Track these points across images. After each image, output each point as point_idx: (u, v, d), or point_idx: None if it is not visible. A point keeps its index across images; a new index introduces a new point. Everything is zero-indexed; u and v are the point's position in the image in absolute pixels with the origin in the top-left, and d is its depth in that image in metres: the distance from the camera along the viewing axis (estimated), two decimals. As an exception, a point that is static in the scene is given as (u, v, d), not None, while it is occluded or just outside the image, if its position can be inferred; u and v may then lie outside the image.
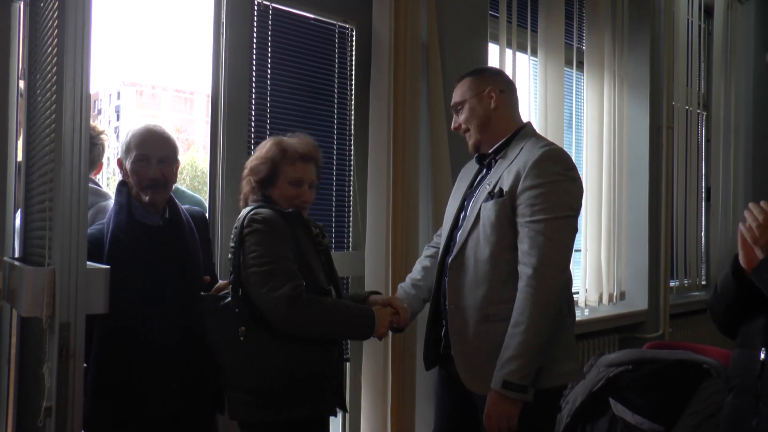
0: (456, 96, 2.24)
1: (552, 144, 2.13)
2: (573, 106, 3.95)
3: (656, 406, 2.55)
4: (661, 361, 2.71)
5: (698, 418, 2.36)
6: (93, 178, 2.77)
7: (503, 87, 2.21)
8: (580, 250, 3.95)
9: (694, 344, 3.12)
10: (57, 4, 1.54)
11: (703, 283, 4.97)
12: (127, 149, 2.10)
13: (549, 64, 3.61)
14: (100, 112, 56.69)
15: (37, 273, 1.48)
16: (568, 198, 2.02)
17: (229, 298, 2.00)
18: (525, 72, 3.61)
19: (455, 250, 2.12)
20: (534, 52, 3.65)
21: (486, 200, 2.08)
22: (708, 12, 5.03)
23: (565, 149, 2.17)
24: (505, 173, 2.08)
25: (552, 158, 2.04)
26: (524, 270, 1.97)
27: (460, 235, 2.14)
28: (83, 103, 1.48)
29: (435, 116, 2.92)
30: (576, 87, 3.99)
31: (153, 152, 2.09)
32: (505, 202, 2.03)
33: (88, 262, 1.50)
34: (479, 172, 2.26)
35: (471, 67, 3.18)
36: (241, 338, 1.96)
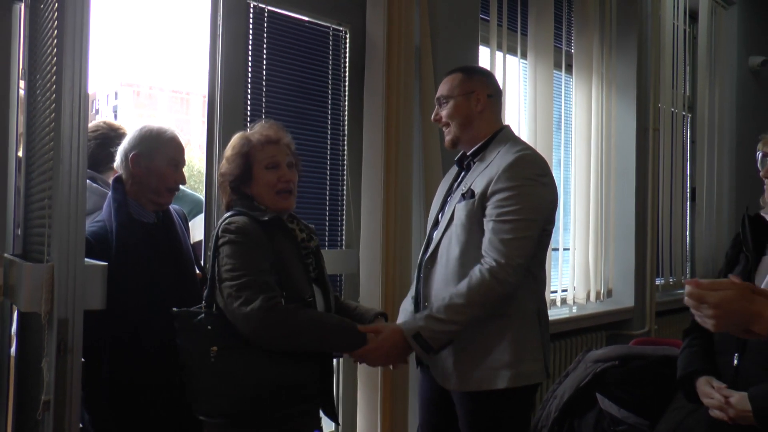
0: (443, 89, 2.23)
1: (528, 148, 2.15)
2: (562, 108, 3.97)
3: (642, 401, 2.56)
4: (647, 356, 2.71)
5: (682, 413, 2.36)
6: (105, 178, 2.71)
7: (491, 91, 2.22)
8: (568, 249, 3.97)
9: (680, 341, 3.13)
10: (56, 5, 1.54)
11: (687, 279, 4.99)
12: (151, 149, 2.09)
13: (538, 67, 3.62)
14: (97, 111, 56.48)
15: (36, 269, 1.47)
16: (537, 201, 2.04)
17: (203, 315, 1.86)
18: (515, 74, 3.62)
19: (431, 249, 2.13)
20: (524, 55, 3.66)
21: (459, 201, 2.09)
22: (693, 16, 5.05)
23: (540, 154, 2.19)
24: (479, 176, 2.09)
25: (525, 162, 2.05)
26: (485, 260, 1.99)
27: (436, 235, 2.15)
28: (81, 102, 1.48)
29: (427, 117, 2.93)
30: (565, 89, 4.00)
31: (181, 158, 2.16)
32: (475, 203, 2.04)
33: (86, 259, 1.50)
34: (459, 174, 2.27)
35: (462, 69, 3.21)
36: (212, 359, 1.80)
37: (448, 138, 2.22)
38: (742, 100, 5.37)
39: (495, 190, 2.02)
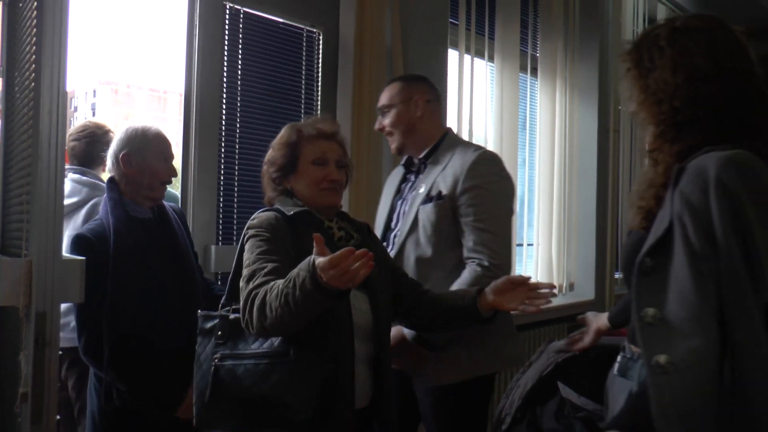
0: (384, 99, 2.24)
1: (481, 147, 2.20)
2: (527, 110, 3.99)
3: (598, 388, 2.60)
4: (605, 347, 2.75)
5: (641, 399, 2.39)
6: (96, 173, 2.75)
7: (430, 97, 2.23)
8: (532, 244, 4.00)
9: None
10: (36, 4, 1.52)
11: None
12: (140, 147, 2.08)
13: (505, 70, 3.64)
14: (76, 109, 55.64)
15: (15, 264, 1.45)
16: (503, 196, 2.10)
17: (218, 319, 1.68)
18: (482, 77, 3.63)
19: (394, 252, 2.13)
20: (491, 59, 3.68)
21: (424, 203, 2.10)
22: (651, 23, 5.11)
23: (497, 153, 2.25)
24: (440, 177, 2.10)
25: (486, 161, 2.09)
26: (475, 262, 2.00)
27: (396, 238, 2.15)
28: (60, 99, 1.46)
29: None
30: (530, 92, 4.03)
31: (170, 152, 2.15)
32: (445, 204, 2.05)
33: (64, 254, 1.48)
34: (404, 178, 2.28)
35: (433, 72, 3.21)
36: (213, 368, 1.62)
37: (393, 146, 2.22)
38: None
39: (463, 189, 2.04)
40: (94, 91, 56.74)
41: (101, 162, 2.73)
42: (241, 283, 1.60)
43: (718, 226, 1.16)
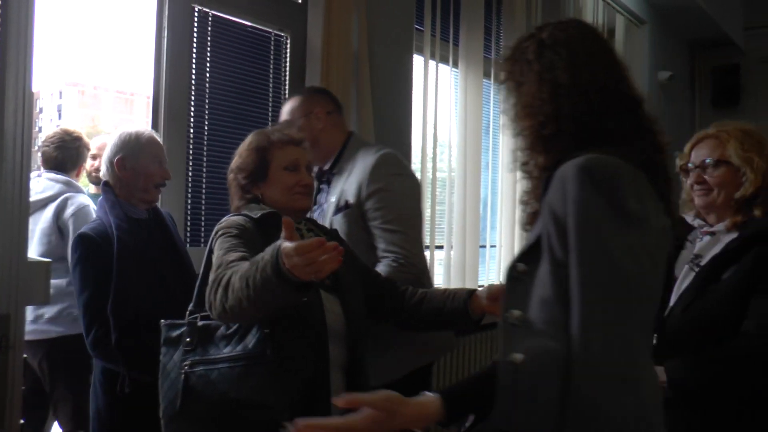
0: (284, 115, 2.25)
1: (383, 147, 2.20)
2: (491, 114, 4.02)
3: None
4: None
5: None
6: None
7: (330, 108, 2.24)
8: (495, 246, 4.03)
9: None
10: (0, 2, 1.48)
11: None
12: (134, 151, 2.10)
13: (469, 76, 3.66)
14: (41, 110, 54.48)
15: (-23, 265, 1.41)
16: (407, 194, 2.13)
17: (185, 327, 1.61)
18: (447, 82, 3.65)
19: None
20: (455, 64, 3.70)
21: (335, 214, 2.11)
22: (610, 33, 5.19)
23: (396, 152, 2.23)
24: (346, 186, 2.11)
25: (385, 162, 2.10)
26: (389, 259, 2.03)
27: None
28: (26, 101, 1.43)
29: (364, 123, 2.93)
30: (493, 97, 4.06)
31: (163, 155, 2.17)
32: (353, 212, 2.07)
33: (29, 256, 1.44)
34: (319, 189, 2.27)
35: (399, 77, 3.22)
36: (182, 375, 1.54)
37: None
38: (653, 111, 5.53)
39: (368, 194, 2.05)
40: (60, 93, 55.64)
41: (72, 167, 2.81)
42: (210, 275, 1.52)
43: (571, 234, 1.17)
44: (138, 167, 2.09)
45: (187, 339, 1.57)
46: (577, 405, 1.13)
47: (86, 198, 2.89)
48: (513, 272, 1.27)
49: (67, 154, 2.84)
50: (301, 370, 1.52)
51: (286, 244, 1.31)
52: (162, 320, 1.65)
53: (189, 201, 2.58)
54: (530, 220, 1.35)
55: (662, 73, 5.68)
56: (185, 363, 1.55)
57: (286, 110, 2.24)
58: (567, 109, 1.28)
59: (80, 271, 1.94)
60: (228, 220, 1.69)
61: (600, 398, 1.13)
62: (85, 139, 3.08)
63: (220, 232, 1.64)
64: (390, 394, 1.23)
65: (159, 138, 2.22)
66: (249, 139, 1.83)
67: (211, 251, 1.63)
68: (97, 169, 3.34)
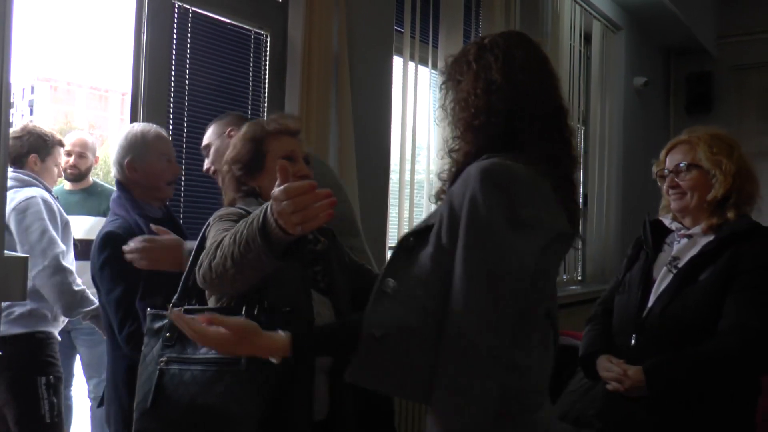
0: (204, 139, 2.27)
1: None
2: (469, 117, 4.03)
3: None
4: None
5: (576, 395, 2.45)
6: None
7: (241, 124, 2.25)
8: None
9: (574, 332, 3.26)
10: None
11: (579, 278, 5.19)
12: (142, 151, 2.12)
13: (448, 78, 3.67)
14: (12, 105, 53.57)
15: (-49, 260, 1.38)
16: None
17: (167, 319, 1.52)
18: (426, 84, 3.66)
19: None
20: (434, 66, 3.71)
21: None
22: (587, 38, 5.26)
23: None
24: None
25: None
26: None
27: None
28: (3, 95, 1.40)
29: (343, 123, 2.93)
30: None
31: (171, 151, 2.20)
32: None
33: (6, 251, 1.41)
34: None
35: (378, 77, 3.23)
36: (158, 371, 1.47)
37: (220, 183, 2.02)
38: (628, 115, 5.63)
39: None
40: (32, 88, 54.76)
41: (20, 161, 2.85)
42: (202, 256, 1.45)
43: (461, 228, 1.27)
44: (147, 167, 2.12)
45: (167, 333, 1.50)
46: (441, 380, 1.23)
47: (34, 190, 2.76)
48: (404, 243, 1.36)
49: (21, 149, 2.86)
50: (276, 379, 1.43)
51: (276, 189, 1.23)
52: (149, 309, 1.59)
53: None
54: (438, 197, 1.47)
55: (637, 79, 5.75)
56: (162, 358, 1.48)
57: (204, 139, 2.27)
58: (497, 105, 1.38)
59: (110, 269, 1.95)
60: (225, 208, 1.63)
61: (464, 377, 1.23)
62: (57, 135, 3.06)
63: (216, 219, 1.58)
64: (248, 323, 1.32)
65: (163, 132, 2.22)
66: (243, 129, 1.75)
67: (203, 239, 1.57)
68: (73, 166, 3.32)
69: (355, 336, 1.28)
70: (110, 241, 1.96)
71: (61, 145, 3.07)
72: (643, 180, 5.66)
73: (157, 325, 1.55)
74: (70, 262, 2.77)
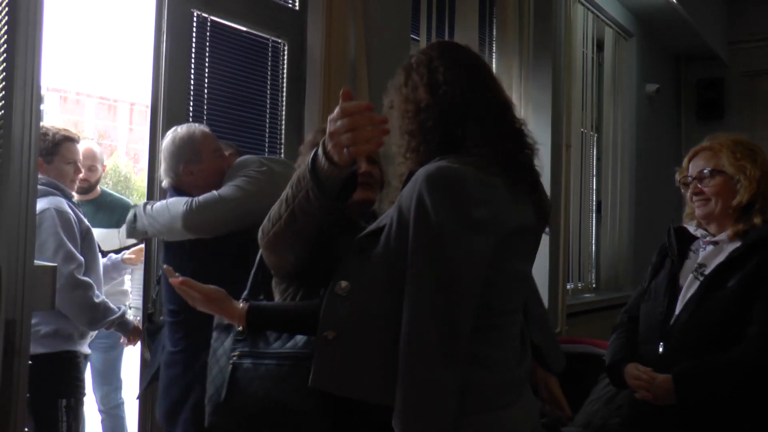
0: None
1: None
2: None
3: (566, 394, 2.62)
4: (566, 354, 2.78)
5: (599, 404, 2.43)
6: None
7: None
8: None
9: (592, 340, 3.23)
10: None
11: (593, 285, 5.15)
12: (195, 154, 2.17)
13: (464, 85, 3.66)
14: (22, 116, 53.76)
15: (-19, 270, 1.37)
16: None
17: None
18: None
19: None
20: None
21: None
22: (599, 46, 5.24)
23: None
24: None
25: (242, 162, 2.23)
26: None
27: None
28: (34, 101, 1.40)
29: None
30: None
31: (219, 144, 2.28)
32: None
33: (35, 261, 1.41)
34: None
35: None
36: (231, 365, 1.50)
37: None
38: (640, 122, 5.60)
39: None
40: (42, 98, 54.96)
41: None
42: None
43: (411, 231, 1.28)
44: (204, 168, 2.16)
45: (239, 328, 1.52)
46: (398, 379, 1.25)
47: (48, 201, 2.58)
48: (359, 245, 1.38)
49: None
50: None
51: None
52: None
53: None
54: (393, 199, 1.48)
55: (649, 86, 5.73)
56: (234, 353, 1.50)
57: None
58: (428, 123, 1.39)
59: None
60: None
61: (419, 374, 1.24)
62: (62, 131, 2.82)
63: None
64: (217, 290, 1.50)
65: (206, 128, 2.23)
66: (308, 137, 1.80)
67: None
68: (83, 179, 3.14)
69: (304, 319, 1.40)
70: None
71: (70, 140, 2.81)
72: (655, 187, 5.64)
73: (227, 320, 1.56)
74: (95, 270, 2.71)
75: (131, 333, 2.81)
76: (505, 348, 1.37)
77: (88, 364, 3.21)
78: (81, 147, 3.16)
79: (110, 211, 3.32)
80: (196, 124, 2.24)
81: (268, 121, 2.83)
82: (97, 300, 2.60)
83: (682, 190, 2.10)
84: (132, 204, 3.49)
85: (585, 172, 4.87)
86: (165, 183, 2.23)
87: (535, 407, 1.49)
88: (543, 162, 4.47)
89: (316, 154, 1.29)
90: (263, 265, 1.57)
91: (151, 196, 2.47)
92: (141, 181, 22.31)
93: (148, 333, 2.39)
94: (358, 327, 1.32)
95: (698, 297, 1.90)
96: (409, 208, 1.29)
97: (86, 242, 2.68)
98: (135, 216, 2.20)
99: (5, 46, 1.44)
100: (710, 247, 1.97)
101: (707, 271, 1.93)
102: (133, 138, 30.57)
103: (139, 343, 2.71)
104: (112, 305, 2.65)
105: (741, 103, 6.44)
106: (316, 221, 1.37)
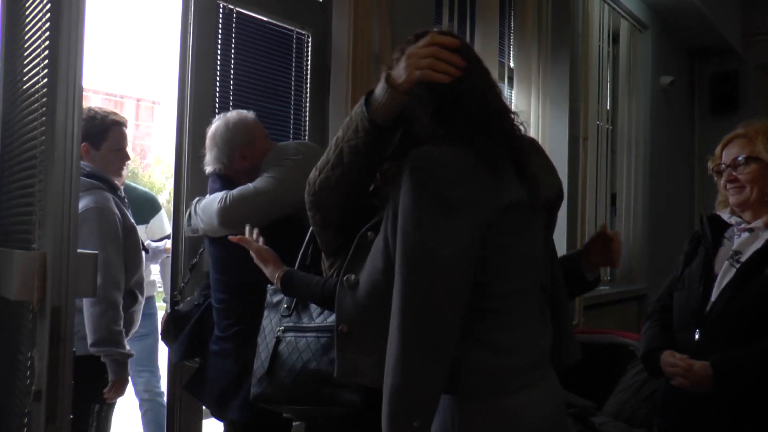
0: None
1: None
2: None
3: (589, 385, 2.61)
4: (591, 345, 2.78)
5: (627, 394, 2.43)
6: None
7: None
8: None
9: (612, 330, 3.23)
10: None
11: (608, 278, 5.13)
12: (249, 137, 2.18)
13: (484, 78, 3.64)
14: (30, 112, 53.90)
15: (27, 257, 1.37)
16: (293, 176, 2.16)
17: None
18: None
19: None
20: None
21: None
22: (615, 39, 5.21)
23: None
24: None
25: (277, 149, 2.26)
26: None
27: None
28: (76, 90, 1.40)
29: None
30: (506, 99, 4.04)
31: (264, 129, 2.30)
32: None
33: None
34: None
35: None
36: (275, 339, 1.64)
37: None
38: (655, 115, 5.57)
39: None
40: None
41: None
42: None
43: (399, 217, 1.30)
44: (256, 151, 2.17)
45: (285, 306, 1.66)
46: (388, 361, 1.27)
47: (90, 198, 2.37)
48: (363, 239, 1.41)
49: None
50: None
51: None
52: (269, 285, 1.73)
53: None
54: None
55: (664, 78, 5.70)
56: (279, 327, 1.62)
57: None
58: (419, 112, 1.37)
59: None
60: None
61: (407, 360, 1.25)
62: (111, 115, 2.56)
63: None
64: (266, 249, 1.69)
65: (252, 115, 2.24)
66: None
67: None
68: None
69: (324, 294, 1.48)
70: None
71: (120, 124, 2.56)
72: (669, 180, 5.62)
73: (276, 299, 1.70)
74: (137, 270, 2.54)
75: (118, 379, 2.38)
76: (511, 333, 1.36)
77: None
78: None
79: (138, 206, 3.06)
80: (244, 110, 2.25)
81: (292, 111, 2.82)
82: (115, 327, 2.34)
83: (715, 179, 2.08)
84: (156, 199, 3.48)
85: (600, 165, 4.84)
86: (209, 169, 2.20)
87: (554, 393, 1.46)
88: (560, 155, 4.49)
89: (373, 90, 1.34)
90: (314, 240, 1.63)
91: (178, 191, 2.46)
92: (148, 176, 22.28)
93: (172, 321, 2.36)
94: (364, 320, 1.36)
95: (735, 284, 1.89)
96: (398, 198, 1.32)
97: (129, 241, 2.48)
98: (189, 215, 2.24)
99: (48, 33, 1.44)
100: (745, 234, 1.96)
101: (743, 258, 1.91)
102: (139, 134, 30.55)
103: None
104: (125, 342, 2.40)
105: (756, 96, 6.39)
106: (361, 161, 1.38)
